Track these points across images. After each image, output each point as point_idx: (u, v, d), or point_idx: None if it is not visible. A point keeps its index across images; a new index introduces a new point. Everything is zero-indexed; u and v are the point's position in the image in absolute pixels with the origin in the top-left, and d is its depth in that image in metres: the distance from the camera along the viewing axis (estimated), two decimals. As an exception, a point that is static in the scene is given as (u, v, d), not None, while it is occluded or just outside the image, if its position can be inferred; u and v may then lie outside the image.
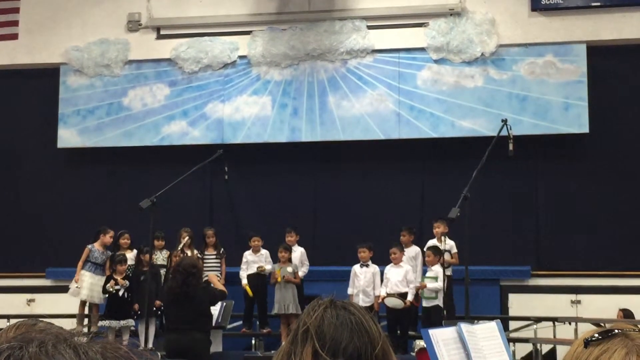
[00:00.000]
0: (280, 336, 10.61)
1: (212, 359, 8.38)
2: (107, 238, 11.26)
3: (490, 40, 12.38)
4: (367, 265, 10.48)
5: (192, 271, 7.75)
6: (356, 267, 10.57)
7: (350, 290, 10.42)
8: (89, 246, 11.18)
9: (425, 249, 10.43)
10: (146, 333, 9.80)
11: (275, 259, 10.97)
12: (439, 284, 9.94)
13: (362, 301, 10.09)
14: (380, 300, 10.18)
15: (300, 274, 10.90)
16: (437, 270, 10.04)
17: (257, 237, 11.32)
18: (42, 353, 1.08)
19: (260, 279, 11.09)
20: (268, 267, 11.04)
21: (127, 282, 10.52)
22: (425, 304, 10.10)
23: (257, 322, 11.25)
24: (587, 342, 1.49)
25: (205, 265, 10.83)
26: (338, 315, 1.71)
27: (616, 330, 1.49)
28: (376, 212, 12.48)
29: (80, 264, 11.07)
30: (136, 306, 10.49)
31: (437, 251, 10.23)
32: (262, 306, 11.08)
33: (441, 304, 10.02)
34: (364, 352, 1.69)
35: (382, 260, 10.51)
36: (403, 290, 10.15)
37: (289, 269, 10.61)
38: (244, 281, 11.11)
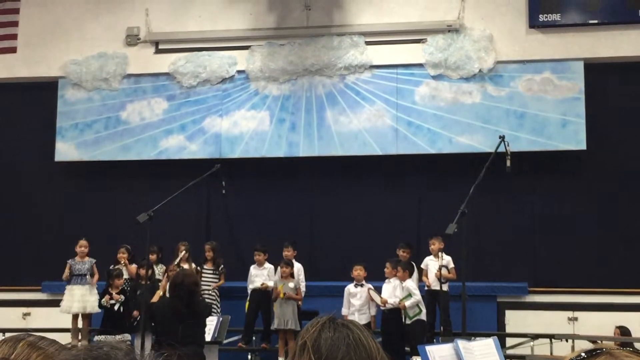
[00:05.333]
0: (278, 351, 10.57)
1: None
2: (77, 248, 11.24)
3: (488, 56, 12.41)
4: (361, 285, 10.45)
5: (195, 289, 7.67)
6: (350, 287, 10.53)
7: (345, 311, 10.32)
8: (69, 261, 11.16)
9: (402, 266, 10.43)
10: (142, 347, 9.74)
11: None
12: (415, 298, 9.95)
13: (358, 320, 10.04)
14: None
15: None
16: (407, 285, 10.04)
17: (260, 251, 11.30)
18: None
19: (263, 294, 11.06)
20: (270, 283, 11.02)
21: (122, 297, 10.48)
22: (409, 322, 10.06)
23: (255, 337, 11.23)
24: None
25: (202, 279, 10.82)
26: (336, 331, 1.70)
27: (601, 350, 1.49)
28: (373, 228, 12.47)
29: (65, 279, 11.06)
30: (135, 313, 10.46)
31: (407, 266, 10.28)
32: (266, 321, 11.03)
33: (423, 317, 10.03)
34: None
35: (379, 276, 10.51)
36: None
37: (291, 285, 10.59)
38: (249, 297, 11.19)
